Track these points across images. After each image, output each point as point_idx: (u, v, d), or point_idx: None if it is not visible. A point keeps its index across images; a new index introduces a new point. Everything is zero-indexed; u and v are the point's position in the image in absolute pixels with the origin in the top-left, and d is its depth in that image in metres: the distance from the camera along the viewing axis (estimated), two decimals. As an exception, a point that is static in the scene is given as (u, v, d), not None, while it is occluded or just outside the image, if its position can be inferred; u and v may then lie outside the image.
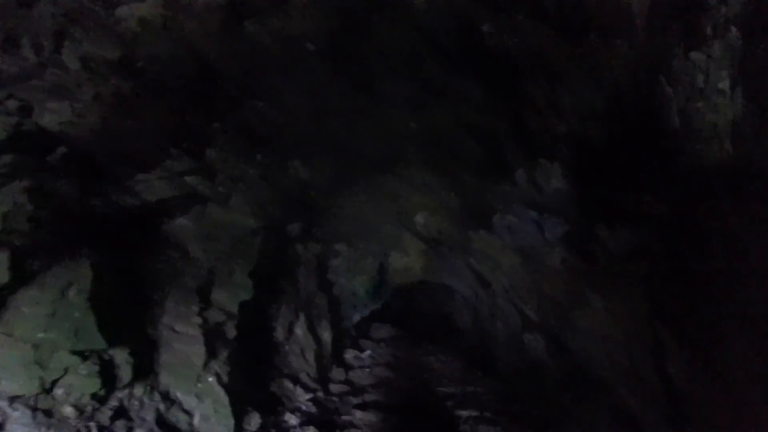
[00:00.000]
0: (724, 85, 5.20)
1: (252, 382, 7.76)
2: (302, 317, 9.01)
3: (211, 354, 6.89)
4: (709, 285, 5.75)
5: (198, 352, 6.80)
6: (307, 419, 7.93)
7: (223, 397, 6.72)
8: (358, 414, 8.43)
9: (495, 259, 9.03)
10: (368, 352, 10.77)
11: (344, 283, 9.99)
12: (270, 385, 8.25)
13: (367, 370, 10.08)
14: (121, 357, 6.35)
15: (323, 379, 9.18)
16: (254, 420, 7.15)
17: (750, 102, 5.25)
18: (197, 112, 7.79)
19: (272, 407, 7.92)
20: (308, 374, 8.89)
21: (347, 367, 10.03)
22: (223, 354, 7.04)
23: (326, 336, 9.47)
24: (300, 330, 8.96)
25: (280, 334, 8.66)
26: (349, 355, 10.49)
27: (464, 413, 8.75)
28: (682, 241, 6.03)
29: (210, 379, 6.74)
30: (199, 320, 6.96)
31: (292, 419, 7.84)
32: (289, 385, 8.44)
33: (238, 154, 8.00)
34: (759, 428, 5.25)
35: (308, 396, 8.48)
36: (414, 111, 8.24)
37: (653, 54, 5.61)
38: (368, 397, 9.06)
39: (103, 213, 7.32)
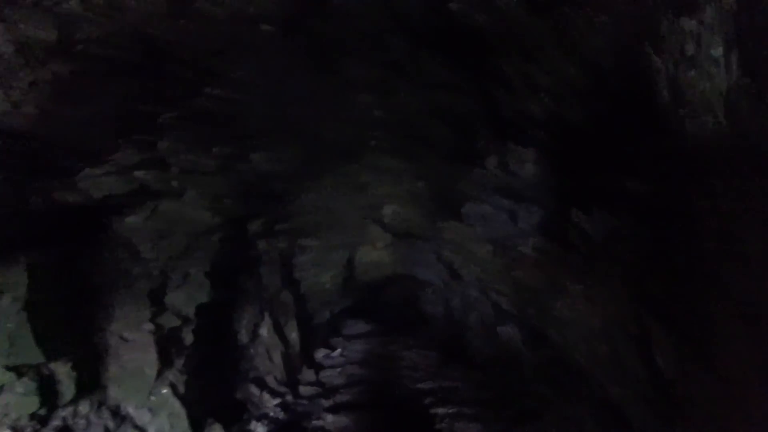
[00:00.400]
0: (718, 52, 4.64)
1: (214, 390, 7.03)
2: (267, 317, 8.27)
3: (166, 362, 6.14)
4: (699, 271, 5.23)
5: (150, 361, 6.05)
6: (274, 426, 7.23)
7: (180, 410, 5.99)
8: (330, 417, 7.75)
9: (467, 249, 8.43)
10: (339, 350, 10.07)
11: (311, 279, 9.27)
12: (235, 391, 7.52)
13: (339, 369, 9.39)
14: (63, 371, 5.58)
15: (292, 382, 8.47)
16: (216, 431, 6.42)
17: (746, 71, 4.69)
18: (147, 100, 6.95)
19: (237, 415, 7.20)
20: (276, 377, 8.18)
21: (318, 367, 9.34)
22: (179, 362, 6.29)
23: (294, 336, 8.75)
24: (265, 331, 8.23)
25: (244, 336, 7.93)
26: (320, 354, 9.80)
27: (442, 410, 8.14)
28: (669, 224, 5.49)
29: (164, 390, 6.00)
30: (151, 326, 6.20)
31: (258, 428, 7.13)
32: (254, 390, 7.71)
33: (193, 145, 7.20)
34: (757, 425, 4.76)
35: (276, 401, 7.77)
36: (381, 95, 7.56)
37: (637, 23, 5.03)
38: (340, 398, 8.39)
39: (44, 211, 6.49)
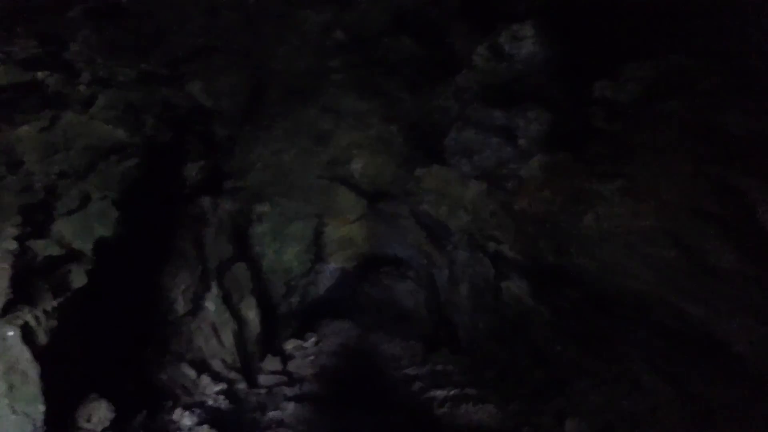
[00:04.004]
0: None
1: (116, 361, 4.16)
2: (215, 288, 5.48)
3: (22, 296, 3.37)
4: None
5: (-7, 290, 3.29)
6: (210, 417, 4.31)
7: (29, 365, 3.13)
8: (291, 407, 4.81)
9: (453, 196, 5.92)
10: (313, 339, 7.11)
11: (272, 256, 6.56)
12: (158, 371, 4.62)
13: (311, 358, 6.43)
14: None
15: (247, 369, 5.52)
16: (100, 413, 3.51)
17: None
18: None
19: (154, 401, 4.30)
20: (223, 361, 5.24)
21: (286, 357, 6.39)
22: (51, 302, 3.50)
23: (252, 316, 5.88)
24: (212, 304, 5.40)
25: (180, 306, 5.10)
26: (290, 345, 6.84)
27: (438, 394, 5.25)
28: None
29: (10, 332, 3.18)
30: (13, 245, 3.48)
31: (185, 418, 4.19)
32: (189, 371, 4.77)
33: (113, 55, 4.85)
34: None
35: (219, 387, 4.81)
36: (338, 9, 5.41)
37: None
38: (308, 388, 5.44)
39: None
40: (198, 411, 4.34)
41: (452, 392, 5.19)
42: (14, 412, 3.03)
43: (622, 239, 4.20)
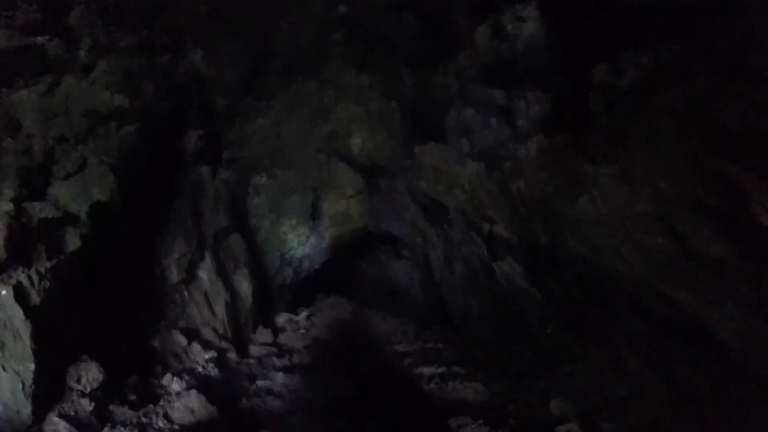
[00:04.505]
0: None
1: (107, 324, 4.26)
2: (209, 258, 5.57)
3: (16, 257, 3.45)
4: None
5: (-13, 249, 3.36)
6: (200, 384, 4.42)
7: (21, 323, 3.23)
8: (281, 377, 4.93)
9: (451, 175, 5.94)
10: (305, 313, 7.22)
11: (268, 228, 6.62)
12: (150, 337, 4.73)
13: (302, 332, 6.55)
14: None
15: (238, 339, 5.64)
16: (91, 374, 3.62)
17: None
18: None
19: (144, 365, 4.41)
20: (215, 330, 5.36)
21: (278, 330, 6.50)
22: (45, 263, 3.58)
23: (245, 287, 5.97)
24: (205, 274, 5.49)
25: (173, 274, 5.19)
26: (282, 318, 6.95)
27: (427, 370, 5.36)
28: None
29: (3, 292, 3.28)
30: (8, 207, 3.56)
31: (173, 383, 4.31)
32: (180, 339, 4.88)
33: (111, 21, 4.84)
34: None
35: (209, 355, 4.93)
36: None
37: None
38: (298, 359, 5.57)
39: None
40: (187, 377, 4.46)
41: (440, 369, 5.30)
42: (5, 369, 3.14)
43: (614, 224, 4.24)
